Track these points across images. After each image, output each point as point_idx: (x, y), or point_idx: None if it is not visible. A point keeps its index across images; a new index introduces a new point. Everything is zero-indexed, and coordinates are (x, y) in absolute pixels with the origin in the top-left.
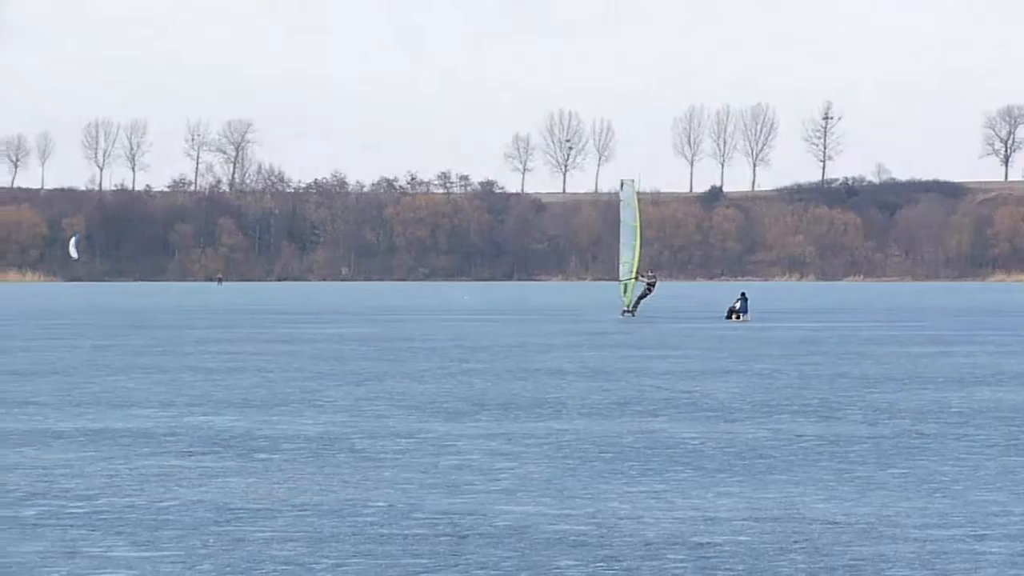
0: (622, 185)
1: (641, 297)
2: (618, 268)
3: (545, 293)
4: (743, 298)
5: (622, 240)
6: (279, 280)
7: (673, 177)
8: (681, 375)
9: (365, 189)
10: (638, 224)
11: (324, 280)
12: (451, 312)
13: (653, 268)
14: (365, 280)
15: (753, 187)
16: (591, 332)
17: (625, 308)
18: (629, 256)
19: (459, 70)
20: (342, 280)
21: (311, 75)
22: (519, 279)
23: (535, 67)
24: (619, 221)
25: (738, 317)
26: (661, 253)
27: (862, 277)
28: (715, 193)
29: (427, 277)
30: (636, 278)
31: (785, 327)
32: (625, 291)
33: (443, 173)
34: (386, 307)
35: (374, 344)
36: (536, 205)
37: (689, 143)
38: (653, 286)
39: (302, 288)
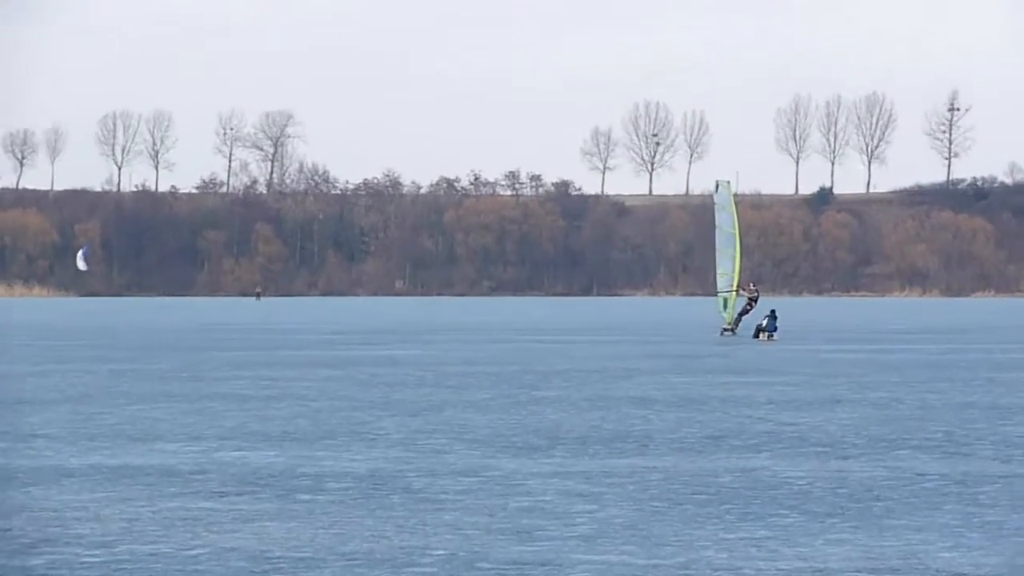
0: (717, 187)
1: (742, 313)
2: (714, 280)
3: (628, 309)
4: (772, 315)
5: (719, 248)
6: (324, 295)
7: (776, 177)
8: (785, 405)
9: (422, 190)
10: (737, 230)
11: (375, 295)
12: (520, 331)
13: (755, 281)
14: (422, 294)
15: (868, 188)
16: (681, 355)
17: (725, 326)
18: (728, 266)
19: (531, 55)
20: (395, 294)
21: (359, 60)
22: (598, 294)
23: (617, 53)
24: (714, 227)
25: (769, 336)
26: (762, 264)
27: (993, 292)
28: (824, 195)
29: (493, 291)
30: (737, 292)
31: (902, 349)
32: (724, 306)
33: (511, 172)
34: (446, 325)
35: (432, 368)
36: (618, 209)
37: (794, 138)
38: (755, 300)
39: (350, 304)
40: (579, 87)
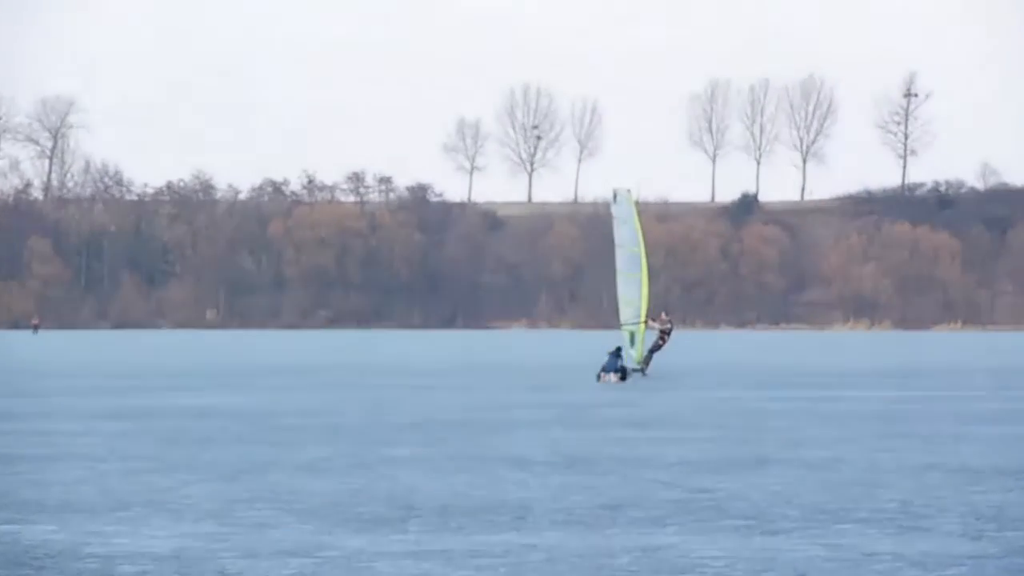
0: (615, 196)
1: (653, 350)
2: (613, 310)
3: (502, 346)
4: (616, 353)
5: (620, 271)
6: (117, 327)
7: (687, 180)
8: (699, 466)
9: (241, 196)
10: (642, 248)
11: (181, 327)
12: (366, 373)
13: (667, 310)
14: (241, 327)
15: (803, 195)
16: (568, 403)
17: (633, 366)
18: (634, 293)
19: (378, 22)
20: (207, 327)
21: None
22: (465, 326)
23: (490, 24)
24: (611, 244)
25: (622, 378)
26: (669, 290)
27: (960, 324)
28: (748, 203)
29: (331, 323)
30: (646, 324)
31: (846, 397)
32: (632, 342)
33: (354, 173)
34: (271, 366)
35: (253, 421)
36: (489, 220)
37: (711, 131)
38: (668, 334)
39: (150, 339)
40: (440, 66)
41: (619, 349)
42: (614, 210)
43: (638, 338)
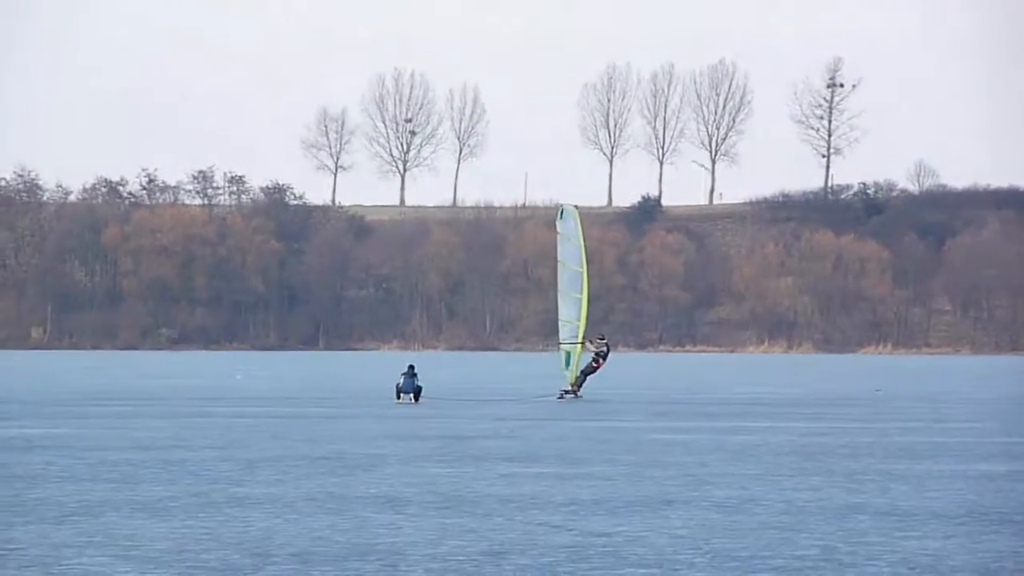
0: (561, 212)
1: (587, 372)
2: (496, 330)
3: (370, 369)
4: (410, 372)
5: (562, 290)
6: None
7: (580, 181)
8: (594, 507)
9: (71, 198)
10: (585, 268)
11: (2, 347)
12: (214, 400)
13: (603, 334)
14: (71, 347)
15: (711, 199)
16: (446, 434)
17: (567, 388)
18: (573, 313)
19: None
20: (32, 347)
21: None
22: (327, 347)
23: (357, 4)
24: (495, 255)
25: (415, 399)
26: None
27: (890, 347)
28: (649, 208)
29: (175, 343)
30: (583, 344)
31: (760, 428)
32: (567, 362)
33: (201, 172)
34: (106, 392)
35: (85, 455)
36: (356, 226)
37: (607, 126)
38: (603, 357)
39: None
40: (299, 50)
41: (412, 367)
42: (559, 226)
43: (574, 359)
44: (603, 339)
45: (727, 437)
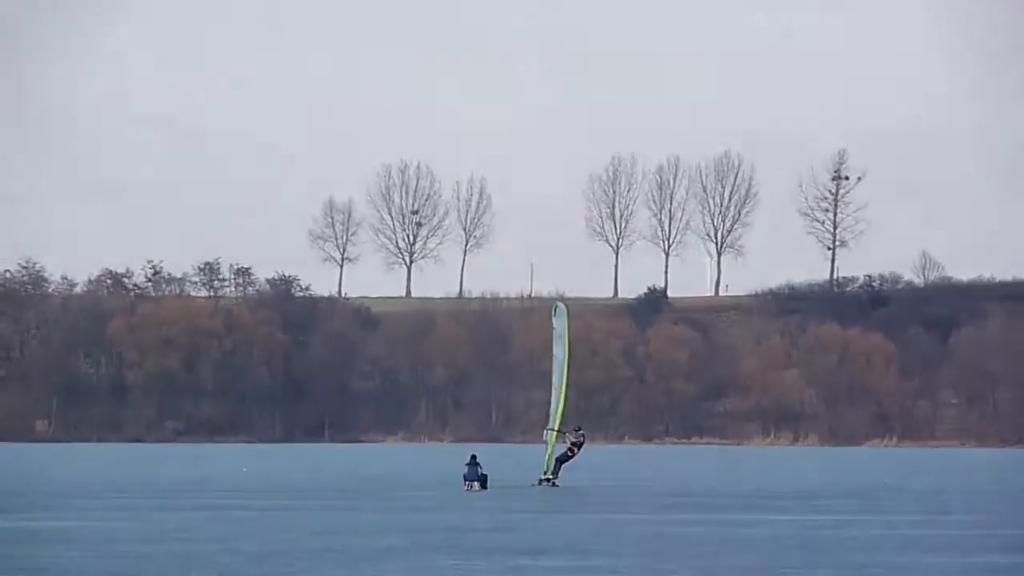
0: (555, 310)
1: (562, 460)
2: (503, 421)
3: (377, 462)
4: (472, 461)
5: (555, 384)
6: None
7: (586, 273)
8: None
9: (77, 289)
10: (567, 360)
11: (6, 440)
12: (220, 492)
13: (580, 425)
14: (76, 440)
15: (717, 290)
16: (454, 526)
17: (543, 475)
18: (556, 402)
19: (237, 94)
20: (37, 440)
21: None
22: (333, 439)
23: (363, 93)
24: (499, 346)
25: (482, 486)
26: (567, 397)
27: (896, 440)
28: (655, 300)
29: (180, 436)
30: (558, 434)
31: (766, 521)
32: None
33: (207, 264)
34: (113, 484)
35: (93, 548)
36: (362, 317)
37: (613, 218)
38: (579, 447)
39: None
40: (305, 141)
41: (474, 457)
42: (555, 323)
43: (550, 447)
44: (579, 430)
45: (735, 530)
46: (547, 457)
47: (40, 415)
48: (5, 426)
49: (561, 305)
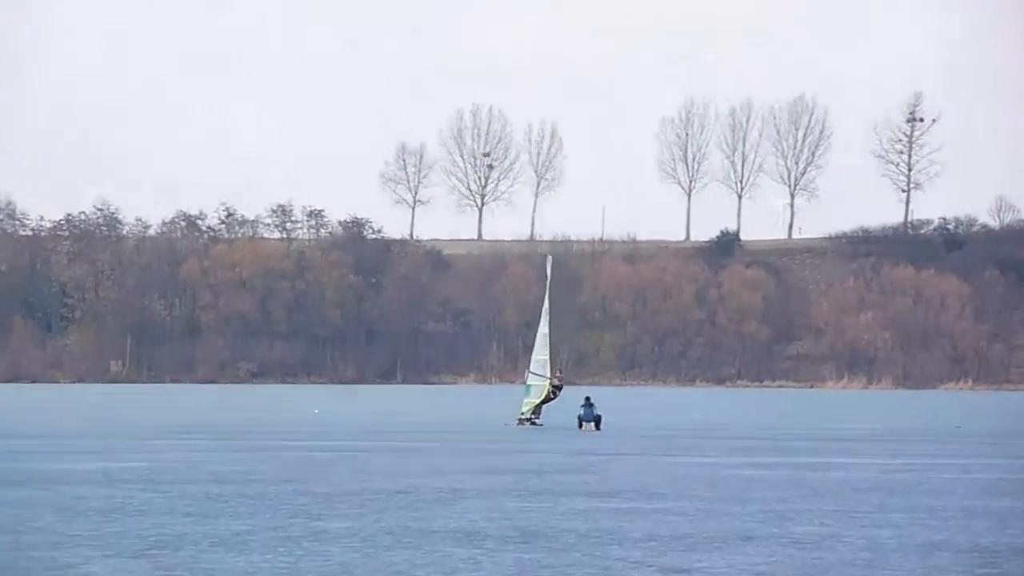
0: (549, 262)
1: (543, 402)
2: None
3: (448, 404)
4: (587, 403)
5: (543, 331)
6: (6, 381)
7: (658, 216)
8: (672, 542)
9: (150, 231)
10: (547, 306)
11: (81, 381)
12: (292, 434)
13: (560, 369)
14: (149, 381)
15: (790, 233)
16: (523, 469)
17: (523, 415)
18: (546, 348)
19: (308, 36)
20: (111, 381)
21: (55, 50)
22: (405, 381)
23: (434, 37)
24: (570, 289)
25: (596, 427)
26: (638, 341)
27: (971, 383)
28: (727, 243)
29: (254, 377)
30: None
31: (840, 464)
32: (528, 393)
33: (280, 206)
34: (185, 425)
35: (164, 488)
36: (434, 260)
37: (685, 160)
38: (559, 389)
39: (45, 393)
40: (378, 83)
41: (588, 399)
42: (548, 271)
43: (543, 392)
44: (561, 374)
45: (807, 473)
46: (533, 400)
47: (115, 356)
48: (81, 367)
49: (550, 256)
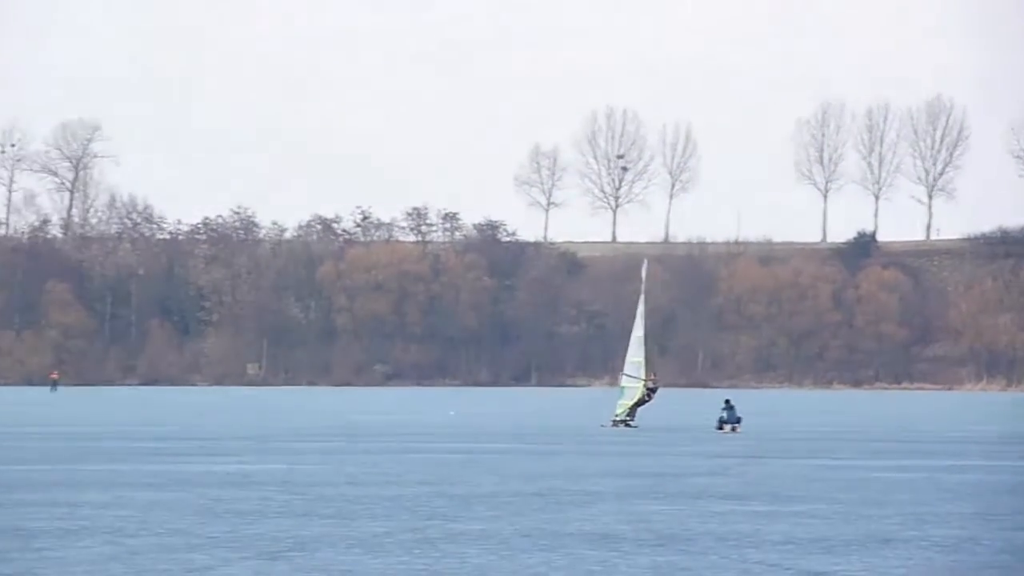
0: (645, 266)
1: (639, 404)
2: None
3: (582, 406)
4: (727, 405)
5: (637, 334)
6: (145, 383)
7: (795, 217)
8: (809, 545)
9: (287, 235)
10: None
11: (219, 383)
12: (428, 436)
13: (655, 371)
14: (286, 384)
15: (929, 234)
16: (658, 471)
17: (618, 417)
18: (641, 351)
19: (445, 42)
20: (248, 383)
21: (189, 50)
22: (539, 383)
23: (569, 40)
24: (706, 291)
25: (733, 428)
26: (774, 343)
27: None
28: (864, 244)
29: (388, 379)
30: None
31: (979, 467)
32: (622, 395)
33: (415, 209)
34: (321, 428)
35: (301, 490)
36: (568, 262)
37: (821, 161)
38: (654, 392)
39: (183, 396)
40: (513, 87)
41: (728, 401)
42: (645, 277)
43: (637, 395)
44: (656, 376)
45: (945, 476)
46: (627, 402)
47: (251, 359)
48: (218, 370)
49: (646, 260)
